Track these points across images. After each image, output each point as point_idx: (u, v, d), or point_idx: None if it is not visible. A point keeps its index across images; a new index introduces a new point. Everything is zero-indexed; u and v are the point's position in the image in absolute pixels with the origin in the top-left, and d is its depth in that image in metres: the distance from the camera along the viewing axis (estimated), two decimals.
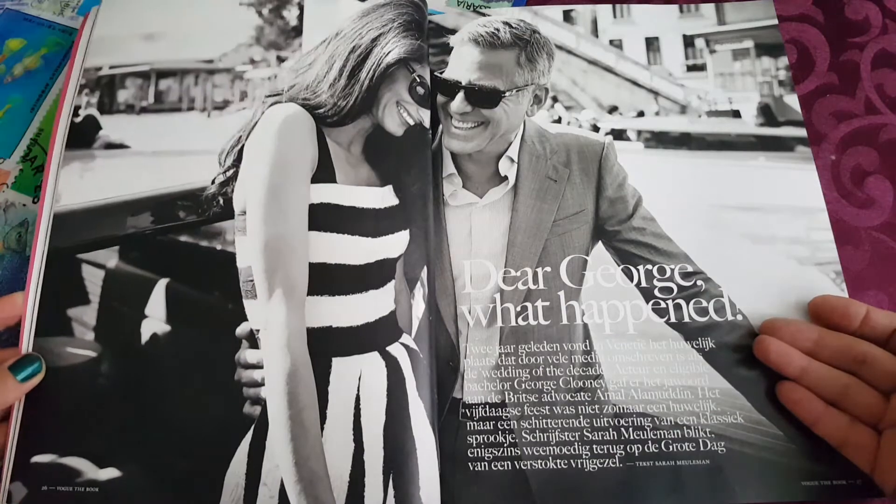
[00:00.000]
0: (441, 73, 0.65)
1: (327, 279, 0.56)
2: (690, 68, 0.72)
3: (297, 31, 0.70)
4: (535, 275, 0.61)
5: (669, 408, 0.57)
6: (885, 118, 0.71)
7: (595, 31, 0.73)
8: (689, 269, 0.62)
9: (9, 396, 0.53)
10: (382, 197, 0.60)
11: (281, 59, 0.69)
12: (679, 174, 0.66)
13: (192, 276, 0.59)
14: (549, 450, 0.56)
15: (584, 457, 0.56)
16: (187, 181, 0.62)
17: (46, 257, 0.59)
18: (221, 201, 0.60)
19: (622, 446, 0.56)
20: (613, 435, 0.56)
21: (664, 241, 0.63)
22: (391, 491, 0.53)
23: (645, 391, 0.58)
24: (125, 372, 0.57)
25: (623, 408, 0.57)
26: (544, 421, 0.57)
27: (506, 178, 0.65)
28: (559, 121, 0.69)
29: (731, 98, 0.70)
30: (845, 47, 0.74)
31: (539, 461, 0.56)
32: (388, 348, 0.57)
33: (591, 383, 0.58)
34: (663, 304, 0.60)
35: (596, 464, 0.55)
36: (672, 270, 0.62)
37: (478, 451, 0.56)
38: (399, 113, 0.61)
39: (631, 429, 0.56)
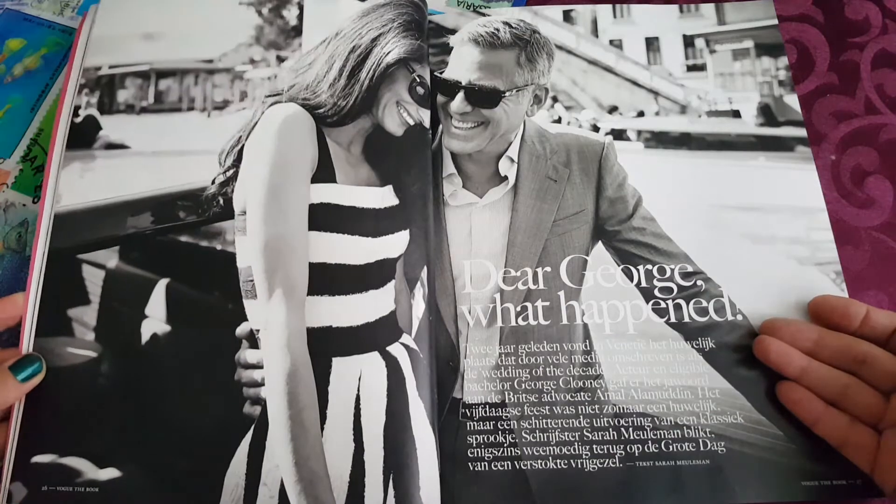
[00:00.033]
0: (441, 73, 0.65)
1: (327, 279, 0.56)
2: (690, 68, 0.72)
3: (297, 30, 0.70)
4: (535, 275, 0.61)
5: (669, 408, 0.57)
6: (885, 118, 0.71)
7: (595, 31, 0.73)
8: (689, 269, 0.62)
9: (9, 396, 0.53)
10: (382, 197, 0.60)
11: (281, 59, 0.69)
12: (679, 174, 0.66)
13: (192, 276, 0.59)
14: (549, 450, 0.56)
15: (584, 457, 0.56)
16: (187, 181, 0.62)
17: (47, 258, 0.59)
18: (221, 201, 0.60)
19: (622, 446, 0.56)
20: (613, 435, 0.56)
21: (664, 241, 0.63)
22: (391, 491, 0.53)
23: (645, 391, 0.58)
24: (125, 372, 0.57)
25: (623, 408, 0.57)
26: (544, 421, 0.57)
27: (506, 178, 0.65)
28: (559, 121, 0.69)
29: (731, 98, 0.70)
30: (845, 47, 0.74)
31: (539, 461, 0.56)
32: (388, 348, 0.57)
33: (591, 383, 0.58)
34: (663, 304, 0.60)
35: (596, 464, 0.55)
36: (672, 270, 0.62)
37: (478, 451, 0.56)
38: (399, 113, 0.61)
39: (631, 429, 0.56)
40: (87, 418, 0.55)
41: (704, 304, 0.60)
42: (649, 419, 0.57)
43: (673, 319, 0.60)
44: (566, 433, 0.56)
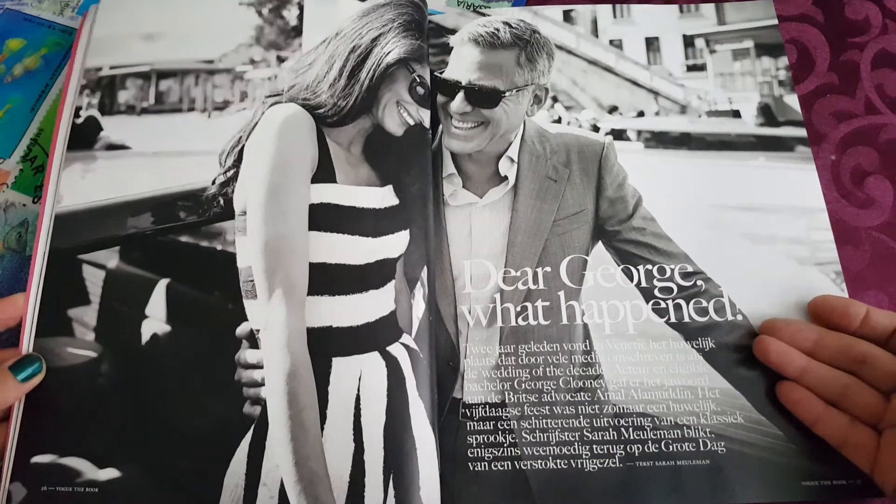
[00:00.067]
0: (441, 73, 0.65)
1: (327, 279, 0.56)
2: (690, 68, 0.72)
3: (297, 31, 0.70)
4: (535, 275, 0.61)
5: (669, 408, 0.57)
6: (885, 118, 0.71)
7: (595, 31, 0.73)
8: (689, 269, 0.62)
9: (9, 396, 0.53)
10: (382, 197, 0.60)
11: (281, 60, 0.69)
12: (679, 174, 0.66)
13: (192, 276, 0.59)
14: (549, 450, 0.56)
15: (584, 457, 0.56)
16: (188, 182, 0.62)
17: (47, 258, 0.59)
18: (222, 201, 0.60)
19: (622, 446, 0.56)
20: (613, 435, 0.56)
21: (664, 241, 0.63)
22: (391, 491, 0.53)
23: (645, 391, 0.58)
24: (125, 372, 0.57)
25: (623, 408, 0.57)
26: (544, 421, 0.57)
27: (506, 178, 0.65)
28: (559, 121, 0.69)
29: (731, 98, 0.70)
30: (845, 47, 0.74)
31: (539, 461, 0.56)
32: (388, 348, 0.57)
33: (591, 383, 0.58)
34: (663, 304, 0.60)
35: (596, 464, 0.55)
36: (672, 270, 0.62)
37: (478, 451, 0.56)
38: (399, 113, 0.61)
39: (631, 429, 0.56)
40: (87, 418, 0.55)
41: (704, 304, 0.60)
42: (649, 419, 0.57)
43: (673, 319, 0.60)
44: (566, 433, 0.56)
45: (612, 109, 0.70)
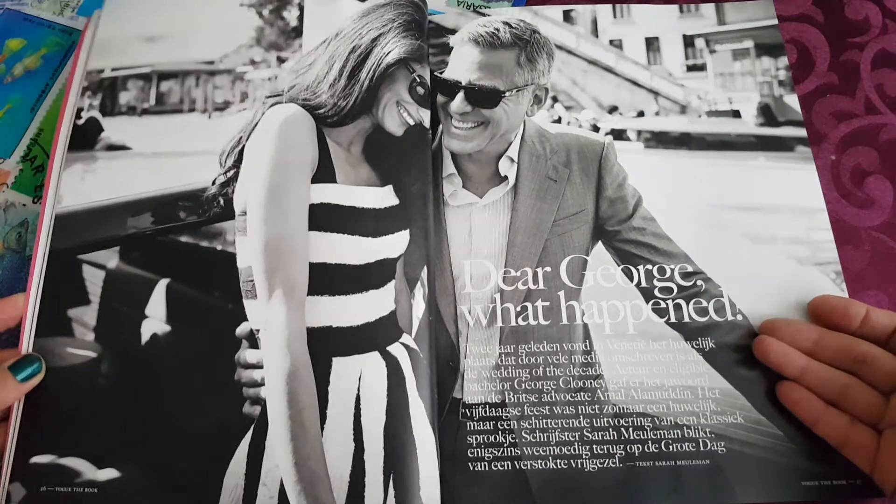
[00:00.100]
0: (441, 73, 0.65)
1: (327, 279, 0.56)
2: (690, 68, 0.72)
3: (298, 31, 0.70)
4: (535, 275, 0.61)
5: (669, 408, 0.57)
6: (885, 118, 0.71)
7: (595, 31, 0.73)
8: (689, 269, 0.62)
9: (8, 396, 0.53)
10: (382, 197, 0.60)
11: (281, 60, 0.69)
12: (679, 174, 0.66)
13: (192, 276, 0.59)
14: (549, 450, 0.56)
15: (584, 457, 0.56)
16: (188, 182, 0.62)
17: (47, 258, 0.59)
18: (222, 202, 0.60)
19: (622, 446, 0.56)
20: (613, 435, 0.56)
21: (664, 241, 0.63)
22: (391, 491, 0.53)
23: (645, 391, 0.58)
24: (125, 372, 0.57)
25: (623, 408, 0.57)
26: (544, 421, 0.57)
27: (506, 178, 0.65)
28: (559, 121, 0.69)
29: (731, 98, 0.70)
30: (845, 47, 0.74)
31: (539, 461, 0.56)
32: (388, 348, 0.57)
33: (591, 383, 0.58)
34: (663, 304, 0.60)
35: (596, 464, 0.55)
36: (672, 270, 0.62)
37: (478, 451, 0.56)
38: (399, 113, 0.61)
39: (631, 429, 0.56)
40: (87, 419, 0.55)
41: (704, 304, 0.60)
42: (649, 419, 0.57)
43: (673, 319, 0.60)
44: (566, 433, 0.56)
45: (612, 109, 0.70)
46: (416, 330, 0.59)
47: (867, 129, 0.70)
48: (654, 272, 0.62)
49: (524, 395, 0.58)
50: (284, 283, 0.54)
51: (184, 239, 0.61)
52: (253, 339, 0.56)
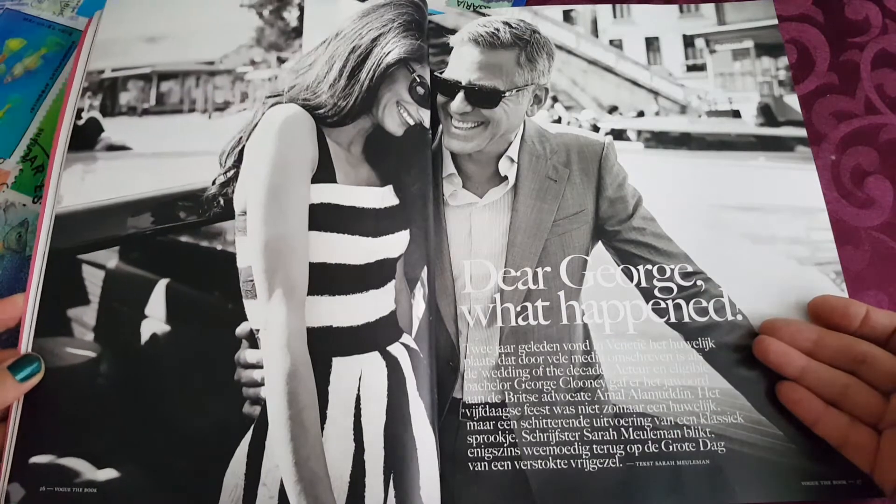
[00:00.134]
0: (441, 73, 0.65)
1: (327, 279, 0.56)
2: (690, 68, 0.72)
3: (298, 31, 0.70)
4: (535, 275, 0.61)
5: (669, 408, 0.57)
6: (885, 118, 0.71)
7: (595, 31, 0.73)
8: (689, 269, 0.62)
9: (8, 396, 0.53)
10: (382, 197, 0.60)
11: (281, 60, 0.69)
12: (679, 174, 0.66)
13: (192, 276, 0.59)
14: (549, 450, 0.56)
15: (584, 457, 0.56)
16: (188, 182, 0.62)
17: (47, 258, 0.59)
18: (222, 202, 0.60)
19: (622, 446, 0.56)
20: (613, 435, 0.56)
21: (664, 241, 0.63)
22: (391, 491, 0.53)
23: (645, 391, 0.58)
24: (125, 372, 0.57)
25: (623, 408, 0.57)
26: (544, 421, 0.57)
27: (506, 178, 0.65)
28: (559, 121, 0.69)
29: (731, 98, 0.70)
30: (845, 47, 0.74)
31: (539, 461, 0.56)
32: (388, 348, 0.57)
33: (591, 383, 0.58)
34: (663, 304, 0.60)
35: (596, 464, 0.55)
36: (672, 270, 0.62)
37: (478, 451, 0.56)
38: (399, 113, 0.61)
39: (631, 429, 0.56)
40: (86, 419, 0.55)
41: (704, 304, 0.60)
42: (649, 419, 0.57)
43: (673, 319, 0.60)
44: (566, 433, 0.56)
45: (612, 109, 0.70)
46: (416, 330, 0.58)
47: (867, 129, 0.70)
48: (654, 272, 0.62)
49: (524, 395, 0.58)
50: (284, 282, 0.54)
51: (184, 239, 0.61)
52: (253, 339, 0.56)
